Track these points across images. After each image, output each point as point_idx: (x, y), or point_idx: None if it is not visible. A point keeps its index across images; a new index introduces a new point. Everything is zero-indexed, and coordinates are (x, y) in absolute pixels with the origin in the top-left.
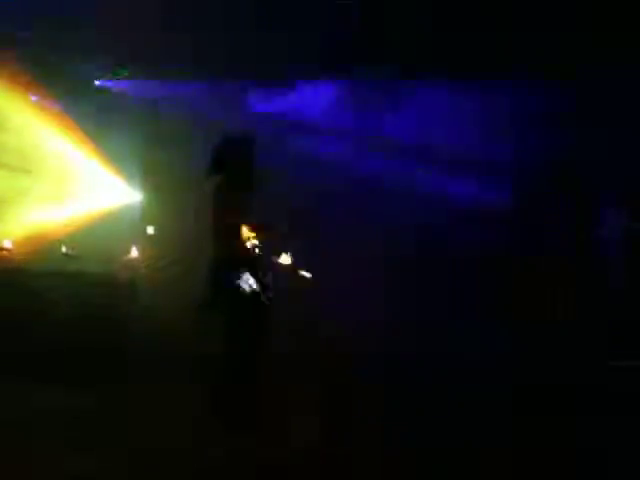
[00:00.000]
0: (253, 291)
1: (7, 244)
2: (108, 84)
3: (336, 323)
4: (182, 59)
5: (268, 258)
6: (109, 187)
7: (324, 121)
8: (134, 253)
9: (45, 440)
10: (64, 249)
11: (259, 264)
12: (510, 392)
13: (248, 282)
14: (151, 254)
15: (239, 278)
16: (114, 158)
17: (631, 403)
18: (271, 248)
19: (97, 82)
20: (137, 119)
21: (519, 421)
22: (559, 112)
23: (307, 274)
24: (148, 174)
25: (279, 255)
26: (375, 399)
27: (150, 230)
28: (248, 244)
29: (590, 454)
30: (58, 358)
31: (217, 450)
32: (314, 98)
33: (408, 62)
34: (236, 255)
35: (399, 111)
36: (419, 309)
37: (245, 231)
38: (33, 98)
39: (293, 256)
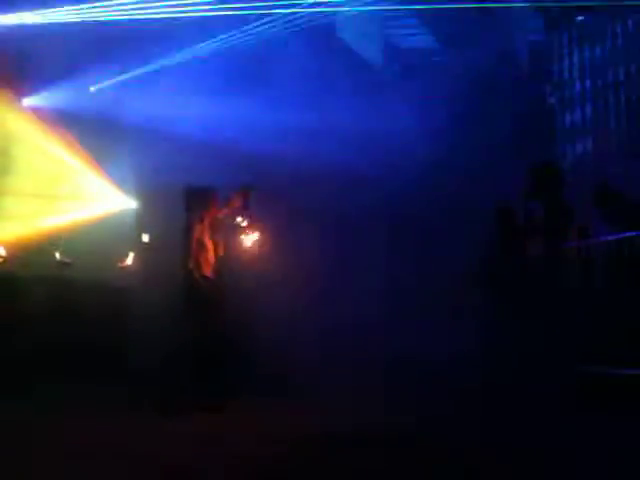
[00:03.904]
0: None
1: (0, 251)
2: (105, 90)
3: None
4: None
5: None
6: (104, 194)
7: None
8: (129, 260)
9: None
10: (58, 256)
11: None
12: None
13: None
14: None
15: None
16: (109, 164)
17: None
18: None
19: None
20: (133, 126)
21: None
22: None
23: None
24: (143, 180)
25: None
26: None
27: (145, 238)
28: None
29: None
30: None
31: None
32: None
33: None
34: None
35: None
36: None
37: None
38: (27, 104)
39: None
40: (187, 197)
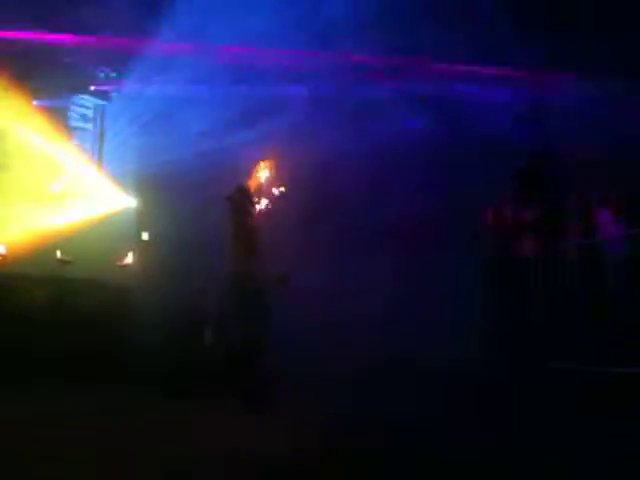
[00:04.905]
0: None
1: (1, 249)
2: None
3: None
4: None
5: None
6: (105, 192)
7: None
8: (129, 259)
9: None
10: (59, 255)
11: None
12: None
13: None
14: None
15: None
16: (110, 163)
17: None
18: None
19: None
20: (135, 123)
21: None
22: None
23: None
24: (144, 180)
25: None
26: None
27: (145, 236)
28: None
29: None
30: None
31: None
32: None
33: None
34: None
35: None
36: None
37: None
38: (30, 102)
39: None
40: (232, 203)
